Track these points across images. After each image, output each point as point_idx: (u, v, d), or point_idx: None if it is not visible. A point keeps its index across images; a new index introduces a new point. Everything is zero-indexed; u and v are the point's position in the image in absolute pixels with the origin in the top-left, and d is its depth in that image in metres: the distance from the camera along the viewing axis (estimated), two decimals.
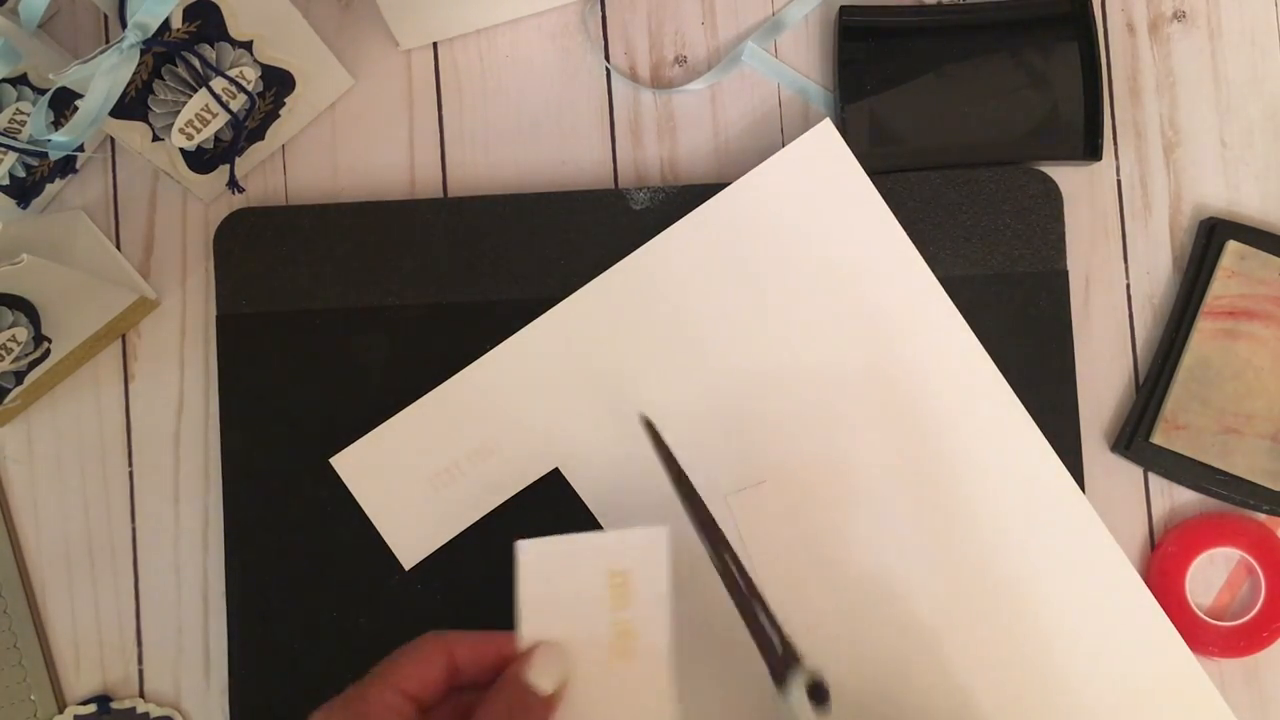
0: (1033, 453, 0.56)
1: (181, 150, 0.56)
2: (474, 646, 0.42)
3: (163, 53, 0.52)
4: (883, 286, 0.57)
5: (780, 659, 0.48)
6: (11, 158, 0.56)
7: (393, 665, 0.41)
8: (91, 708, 0.58)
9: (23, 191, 0.58)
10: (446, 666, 0.42)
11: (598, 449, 0.57)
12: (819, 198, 0.58)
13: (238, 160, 0.59)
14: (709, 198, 0.58)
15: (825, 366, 0.57)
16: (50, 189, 0.60)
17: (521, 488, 0.57)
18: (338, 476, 0.57)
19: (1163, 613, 0.56)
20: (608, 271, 0.58)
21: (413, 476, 0.57)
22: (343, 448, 0.57)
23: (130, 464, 0.60)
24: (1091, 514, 0.56)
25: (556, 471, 0.57)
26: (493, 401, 0.57)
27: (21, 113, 0.55)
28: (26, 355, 0.56)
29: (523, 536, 0.44)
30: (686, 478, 0.50)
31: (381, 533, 0.57)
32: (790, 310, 0.57)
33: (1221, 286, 0.57)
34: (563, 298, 0.58)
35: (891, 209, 0.58)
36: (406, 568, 0.57)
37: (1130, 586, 0.56)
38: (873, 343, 0.57)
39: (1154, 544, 0.58)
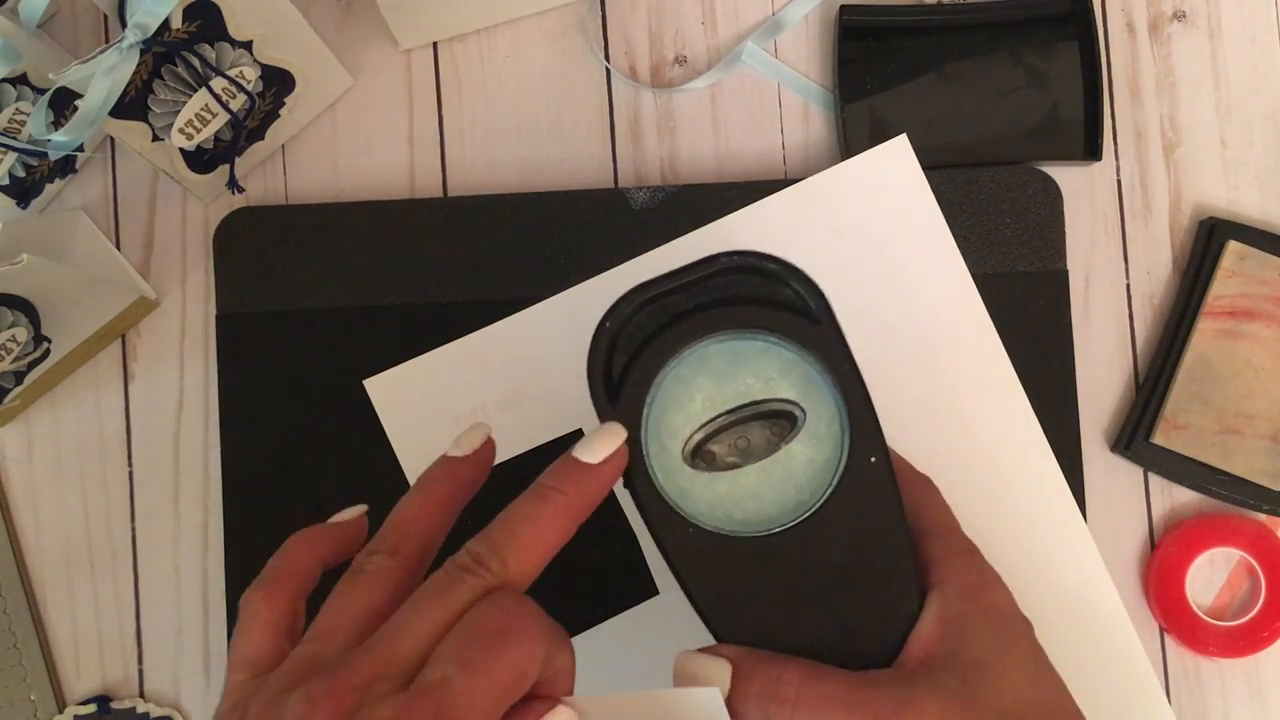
0: (1035, 456, 0.57)
1: (181, 150, 0.56)
2: (334, 533, 0.42)
3: (162, 53, 0.52)
4: (929, 295, 0.58)
5: None
6: (11, 158, 0.56)
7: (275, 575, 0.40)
8: (91, 708, 0.58)
9: (23, 191, 0.58)
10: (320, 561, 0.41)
11: None
12: (883, 206, 0.58)
13: (238, 160, 0.59)
14: (709, 197, 0.58)
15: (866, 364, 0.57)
16: (50, 189, 0.60)
17: (543, 441, 0.57)
18: (337, 477, 0.57)
19: (1131, 626, 0.56)
20: (665, 245, 0.58)
21: (440, 412, 0.57)
22: (343, 447, 0.58)
23: (130, 464, 0.60)
24: (1081, 524, 0.56)
25: (580, 432, 0.57)
26: (530, 353, 0.57)
27: (21, 113, 0.55)
28: (26, 355, 0.56)
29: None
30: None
31: (400, 460, 0.57)
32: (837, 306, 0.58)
33: (1221, 286, 0.57)
34: None
35: None
36: None
37: (1107, 599, 0.56)
38: (911, 347, 0.57)
39: (1154, 544, 0.58)
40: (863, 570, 0.40)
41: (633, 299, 0.41)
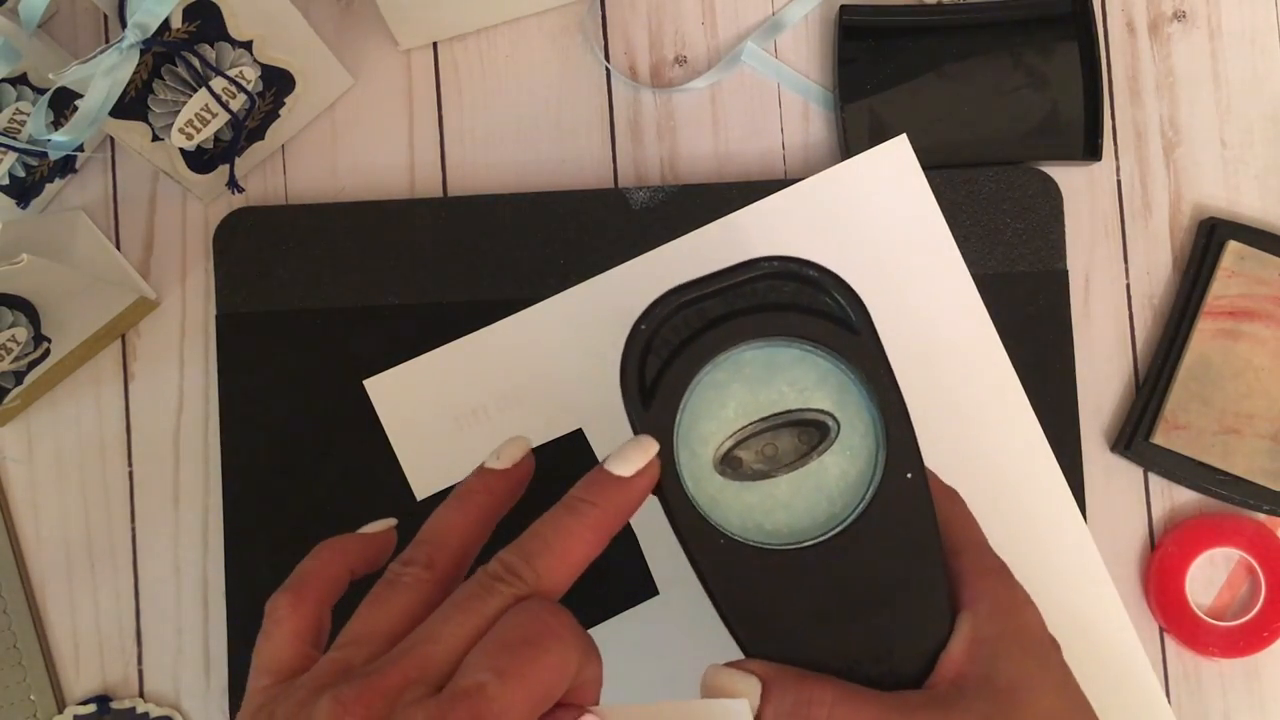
0: (1035, 456, 0.57)
1: (181, 150, 0.56)
2: (364, 543, 0.41)
3: (162, 53, 0.52)
4: (929, 295, 0.58)
5: None
6: (11, 158, 0.56)
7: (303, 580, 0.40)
8: (91, 708, 0.58)
9: (23, 191, 0.58)
10: (348, 567, 0.41)
11: (623, 419, 0.57)
12: (883, 206, 0.58)
13: (237, 160, 0.59)
14: (709, 197, 0.58)
15: None
16: (50, 189, 0.60)
17: (543, 442, 0.57)
18: (336, 477, 0.57)
19: (1131, 627, 0.56)
20: (665, 245, 0.58)
21: (440, 412, 0.57)
22: (343, 447, 0.58)
23: (130, 464, 0.60)
24: (1081, 524, 0.56)
25: (580, 432, 0.57)
26: (530, 354, 0.57)
27: (21, 113, 0.55)
28: (26, 355, 0.56)
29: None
30: None
31: (400, 460, 0.57)
32: None
33: (1221, 286, 0.57)
34: None
35: None
36: (419, 499, 0.57)
37: (1107, 599, 0.56)
38: (911, 348, 0.57)
39: (1154, 544, 0.58)
40: (895, 588, 0.40)
41: (669, 301, 0.40)
